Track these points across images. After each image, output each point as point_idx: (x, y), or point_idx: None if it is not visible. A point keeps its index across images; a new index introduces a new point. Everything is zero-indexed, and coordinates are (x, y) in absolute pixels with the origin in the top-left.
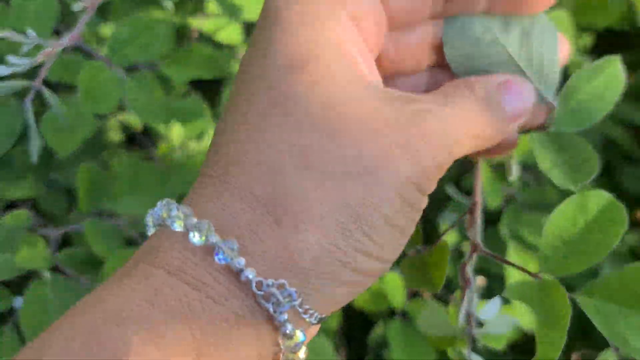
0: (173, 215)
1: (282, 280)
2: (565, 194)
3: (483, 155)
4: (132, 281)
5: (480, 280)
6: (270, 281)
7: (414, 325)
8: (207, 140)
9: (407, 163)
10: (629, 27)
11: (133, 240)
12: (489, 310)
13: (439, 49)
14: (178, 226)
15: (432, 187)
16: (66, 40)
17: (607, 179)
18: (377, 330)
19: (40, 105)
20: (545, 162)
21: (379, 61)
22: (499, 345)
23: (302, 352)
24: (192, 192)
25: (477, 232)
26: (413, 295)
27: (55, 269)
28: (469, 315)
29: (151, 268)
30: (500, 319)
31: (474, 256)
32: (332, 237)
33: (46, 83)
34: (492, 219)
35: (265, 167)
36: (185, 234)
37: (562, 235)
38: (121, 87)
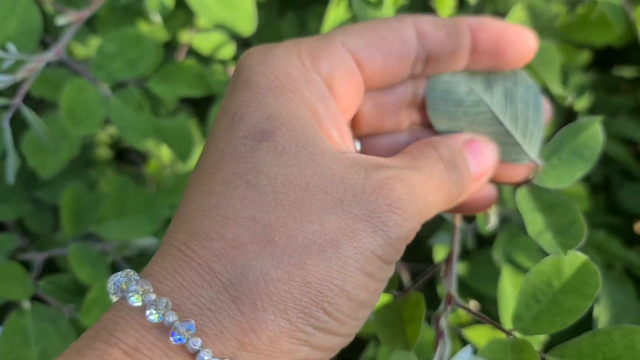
0: (132, 290)
1: None
2: None
3: (460, 213)
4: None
5: (473, 305)
6: None
7: None
8: (193, 161)
9: (372, 236)
10: (627, 44)
11: (118, 265)
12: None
13: (419, 107)
14: (136, 301)
15: (398, 256)
16: (50, 55)
17: (606, 195)
18: (368, 353)
19: (24, 124)
20: (534, 226)
21: (357, 120)
22: None
23: None
24: (154, 261)
25: (452, 282)
26: None
27: (36, 298)
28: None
29: (106, 346)
30: None
31: (449, 308)
32: (290, 317)
33: (29, 99)
34: (487, 241)
35: (225, 242)
36: (143, 309)
37: (536, 295)
38: (106, 106)
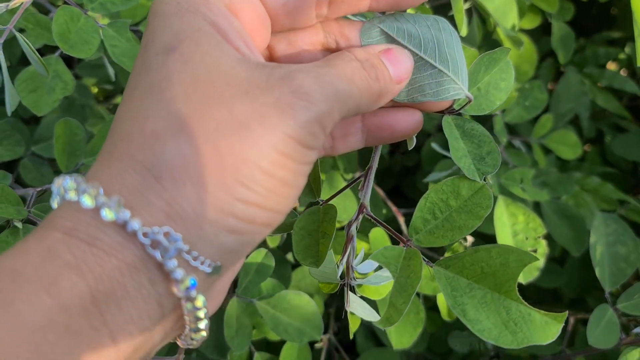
0: (66, 186)
1: (166, 228)
2: None
3: (387, 140)
4: (27, 244)
5: (469, 239)
6: (155, 229)
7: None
8: None
9: (281, 118)
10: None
11: None
12: (367, 266)
13: (331, 51)
14: (72, 194)
15: (318, 140)
16: None
17: (599, 147)
18: None
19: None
20: (457, 152)
21: (273, 59)
22: (376, 297)
23: (202, 323)
24: (90, 168)
25: (366, 194)
26: None
27: (28, 222)
28: (349, 267)
29: (46, 231)
30: (377, 275)
31: (360, 217)
32: (210, 189)
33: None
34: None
35: (145, 135)
36: (77, 200)
37: (434, 211)
38: (99, 34)
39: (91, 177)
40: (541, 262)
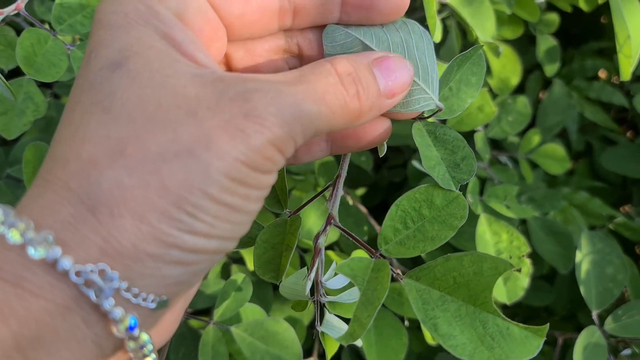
0: None
1: (102, 265)
2: None
3: (354, 149)
4: None
5: None
6: (89, 267)
7: (388, 311)
8: None
9: (231, 143)
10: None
11: None
12: (337, 281)
13: (302, 58)
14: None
15: (275, 165)
16: (10, 8)
17: (588, 159)
18: None
19: None
20: (429, 160)
21: (231, 68)
22: (349, 315)
23: (149, 350)
24: (24, 196)
25: (335, 205)
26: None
27: None
28: (316, 284)
29: None
30: (350, 292)
31: (328, 228)
32: (151, 221)
33: None
34: None
35: (82, 161)
36: (3, 235)
37: (406, 220)
38: (67, 56)
39: (23, 208)
40: (526, 282)
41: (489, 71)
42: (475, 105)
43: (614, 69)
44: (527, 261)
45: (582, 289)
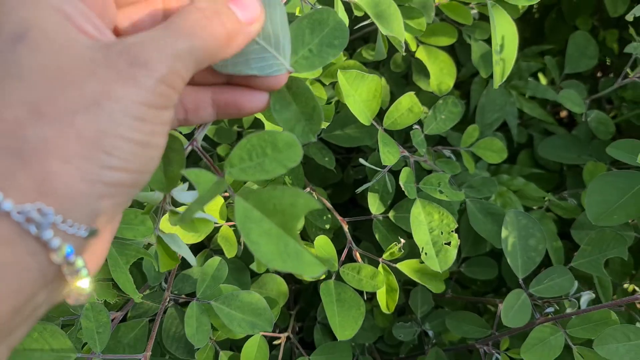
0: None
1: (38, 204)
2: None
3: (236, 116)
4: None
5: (402, 240)
6: (27, 206)
7: (348, 286)
8: None
9: (126, 88)
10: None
11: None
12: (187, 195)
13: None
14: None
15: (170, 100)
16: None
17: (530, 149)
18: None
19: None
20: (288, 122)
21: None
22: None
23: (84, 282)
24: None
25: (200, 134)
26: (346, 260)
27: None
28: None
29: None
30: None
31: (189, 148)
32: (76, 163)
33: None
34: None
35: (7, 123)
36: None
37: (251, 154)
38: None
39: None
40: (454, 253)
41: (427, 75)
42: (405, 107)
43: (547, 70)
44: (455, 235)
45: (508, 259)
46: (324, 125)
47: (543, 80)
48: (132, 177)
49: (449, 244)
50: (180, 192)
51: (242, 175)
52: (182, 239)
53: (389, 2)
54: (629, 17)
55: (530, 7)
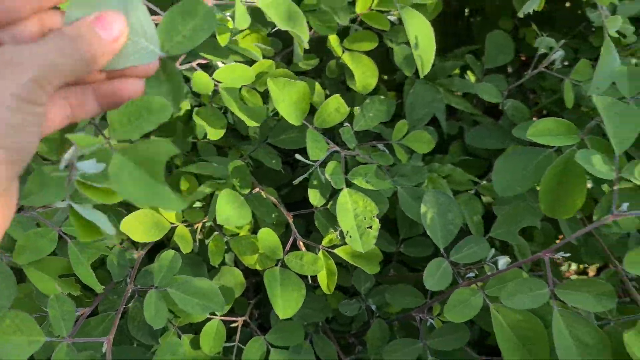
0: None
1: None
2: None
3: (119, 105)
4: None
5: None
6: None
7: (291, 272)
8: None
9: (4, 85)
10: None
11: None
12: (90, 165)
13: None
14: None
15: (40, 98)
16: None
17: (461, 139)
18: None
19: None
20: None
21: None
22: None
23: None
24: None
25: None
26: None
27: None
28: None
29: None
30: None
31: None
32: None
33: None
34: None
35: None
36: None
37: (130, 118)
38: None
39: None
40: (376, 235)
41: (353, 78)
42: (333, 107)
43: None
44: (376, 220)
45: (428, 231)
46: (255, 124)
47: (472, 77)
48: (9, 154)
49: (370, 227)
50: (83, 162)
51: (122, 136)
52: (140, 238)
53: (289, 3)
54: (520, 14)
55: (462, 11)
